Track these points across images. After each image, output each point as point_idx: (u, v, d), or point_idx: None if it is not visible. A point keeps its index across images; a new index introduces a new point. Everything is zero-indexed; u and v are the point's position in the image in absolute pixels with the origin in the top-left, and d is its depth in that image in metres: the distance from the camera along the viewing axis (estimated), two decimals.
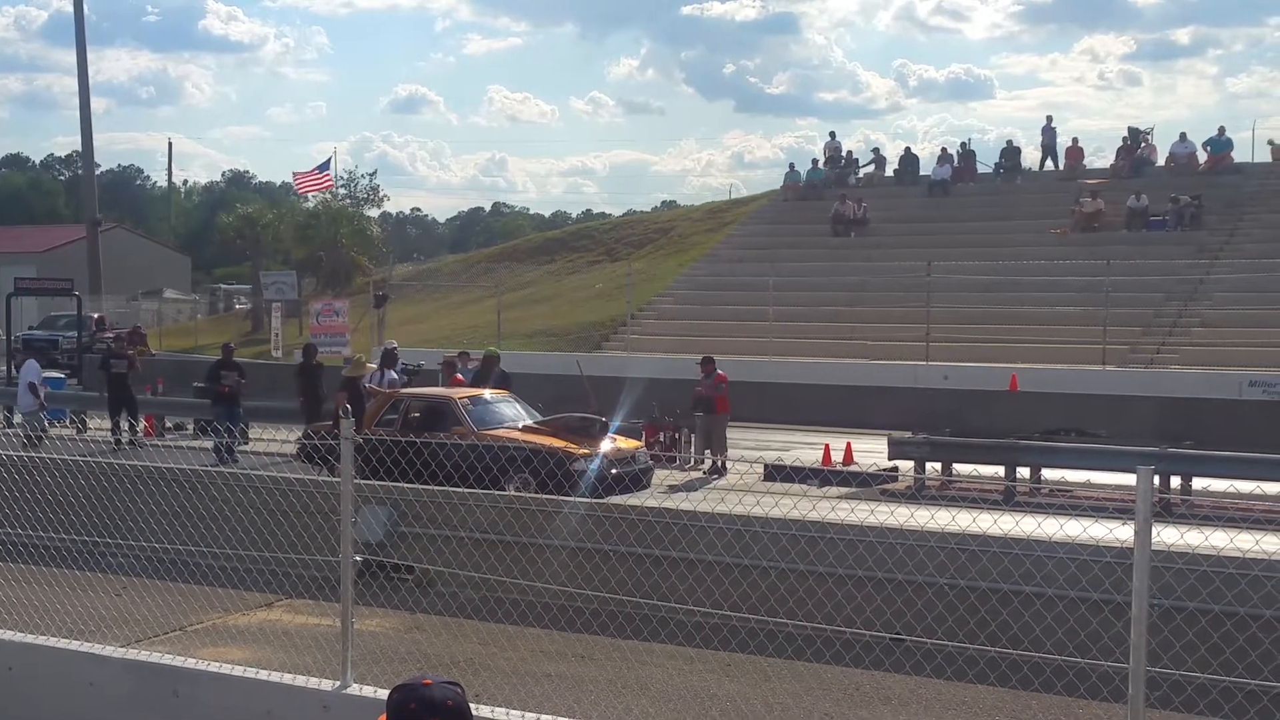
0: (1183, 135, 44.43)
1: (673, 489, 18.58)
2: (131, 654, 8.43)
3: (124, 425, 25.00)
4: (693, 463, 22.32)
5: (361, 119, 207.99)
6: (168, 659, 8.27)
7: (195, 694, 7.74)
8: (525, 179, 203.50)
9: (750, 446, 23.64)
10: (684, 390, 23.61)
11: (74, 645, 8.49)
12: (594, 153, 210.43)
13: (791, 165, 51.65)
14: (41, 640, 8.54)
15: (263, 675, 7.79)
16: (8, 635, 8.68)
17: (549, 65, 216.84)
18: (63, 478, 12.31)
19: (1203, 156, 43.32)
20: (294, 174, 61.24)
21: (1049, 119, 47.72)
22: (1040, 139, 47.51)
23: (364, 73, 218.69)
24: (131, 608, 10.83)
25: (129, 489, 12.21)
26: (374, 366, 23.16)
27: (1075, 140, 47.55)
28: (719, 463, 21.86)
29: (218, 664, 8.22)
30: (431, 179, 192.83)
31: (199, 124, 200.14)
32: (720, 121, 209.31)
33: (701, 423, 22.72)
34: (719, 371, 22.89)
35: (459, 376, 22.43)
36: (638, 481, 18.16)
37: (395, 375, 22.59)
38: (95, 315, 47.30)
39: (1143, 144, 45.21)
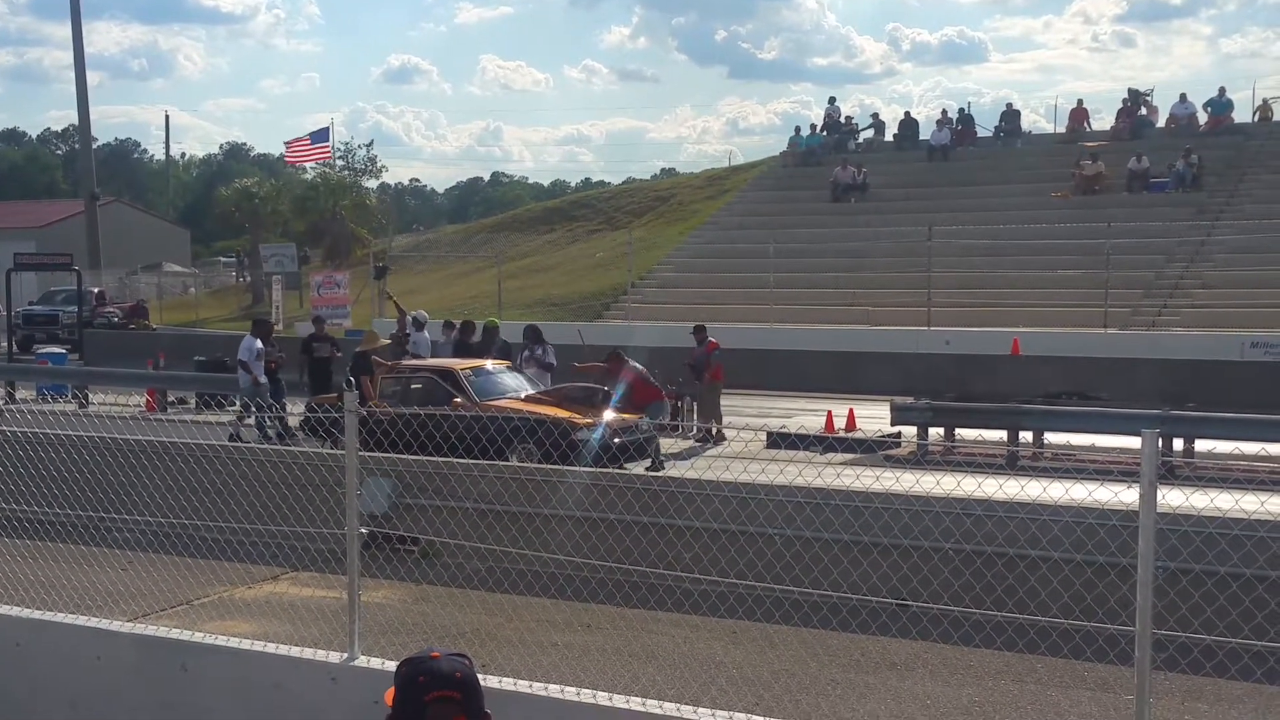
0: (1183, 96, 44.39)
1: (673, 457, 18.66)
2: (139, 628, 8.42)
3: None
4: (695, 430, 22.28)
5: (355, 89, 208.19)
6: (175, 633, 8.27)
7: (203, 667, 7.74)
8: (521, 148, 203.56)
9: (753, 414, 23.64)
10: (686, 358, 23.56)
11: (81, 620, 8.48)
12: (590, 120, 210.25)
13: (797, 129, 51.33)
14: (48, 616, 8.53)
15: (270, 648, 7.79)
16: (14, 611, 8.67)
17: (541, 33, 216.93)
18: (67, 453, 12.33)
19: (1203, 117, 43.21)
20: (285, 143, 60.84)
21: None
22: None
23: (356, 43, 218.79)
24: (138, 582, 10.84)
25: (134, 464, 12.20)
26: (386, 341, 23.09)
27: (1080, 102, 47.07)
28: (712, 430, 21.74)
29: (225, 637, 8.23)
30: (427, 149, 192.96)
31: (192, 96, 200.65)
32: (714, 88, 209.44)
33: (695, 391, 22.70)
34: (710, 339, 22.83)
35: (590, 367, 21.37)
36: (641, 450, 18.16)
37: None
38: (95, 290, 47.18)
39: (1143, 105, 45.11)
